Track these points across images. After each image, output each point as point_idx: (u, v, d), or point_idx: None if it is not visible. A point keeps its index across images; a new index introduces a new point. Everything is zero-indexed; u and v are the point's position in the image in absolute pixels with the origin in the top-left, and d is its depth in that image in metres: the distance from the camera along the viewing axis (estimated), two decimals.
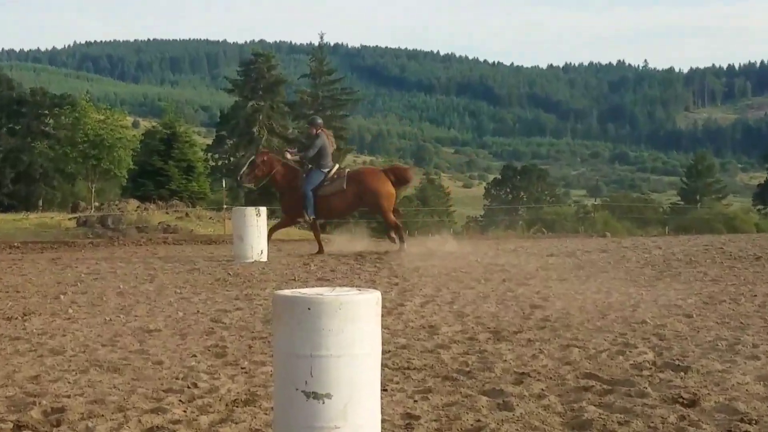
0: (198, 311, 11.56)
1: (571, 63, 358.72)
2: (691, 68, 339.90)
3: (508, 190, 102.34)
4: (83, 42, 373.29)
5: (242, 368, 8.11)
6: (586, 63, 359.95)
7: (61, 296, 13.17)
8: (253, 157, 21.11)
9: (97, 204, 43.65)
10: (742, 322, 10.22)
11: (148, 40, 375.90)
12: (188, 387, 7.39)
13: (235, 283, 14.66)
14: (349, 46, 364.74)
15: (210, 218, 39.30)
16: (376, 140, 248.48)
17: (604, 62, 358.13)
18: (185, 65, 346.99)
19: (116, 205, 39.86)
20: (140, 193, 50.81)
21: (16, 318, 11.20)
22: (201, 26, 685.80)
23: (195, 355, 8.70)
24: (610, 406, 6.64)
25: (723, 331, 9.63)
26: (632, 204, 75.31)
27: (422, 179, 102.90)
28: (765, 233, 36.26)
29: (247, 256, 18.68)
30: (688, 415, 6.35)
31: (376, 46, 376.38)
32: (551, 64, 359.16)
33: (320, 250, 20.23)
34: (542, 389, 7.19)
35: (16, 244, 25.72)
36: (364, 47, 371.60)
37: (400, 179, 20.88)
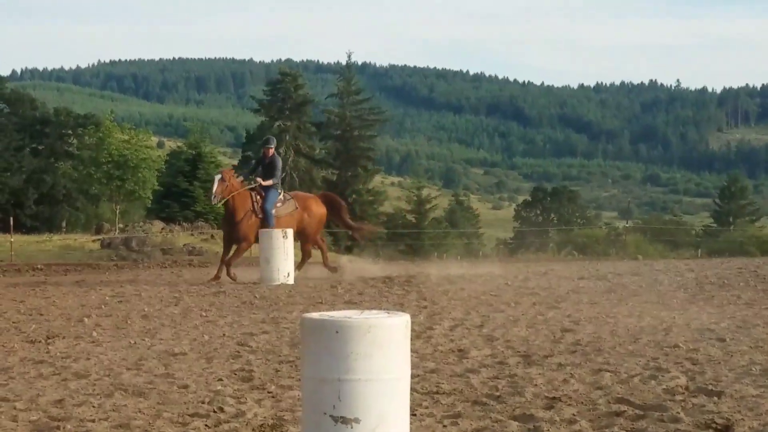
0: (224, 334, 11.49)
1: (602, 83, 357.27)
2: (725, 88, 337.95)
3: (539, 212, 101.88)
4: (107, 61, 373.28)
5: (269, 392, 8.03)
6: (617, 83, 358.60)
7: (85, 319, 13.14)
8: (220, 174, 20.50)
9: (121, 225, 43.70)
10: None
11: (173, 58, 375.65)
12: (214, 411, 7.32)
13: (261, 306, 14.60)
14: (377, 66, 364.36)
15: None
16: (405, 161, 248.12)
17: (636, 82, 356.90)
18: (211, 84, 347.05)
19: (141, 227, 39.91)
20: (165, 214, 50.81)
21: (40, 341, 11.16)
22: (227, 45, 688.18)
23: (221, 379, 8.62)
24: None
25: (757, 356, 9.50)
26: (664, 226, 74.94)
27: (451, 201, 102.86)
28: None
29: (273, 278, 18.62)
30: None
31: (405, 65, 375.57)
32: (582, 84, 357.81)
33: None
34: (573, 414, 7.08)
35: (39, 266, 25.79)
36: (392, 66, 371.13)
37: (333, 206, 21.60)
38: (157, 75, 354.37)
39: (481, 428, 6.76)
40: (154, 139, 68.12)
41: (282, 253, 18.88)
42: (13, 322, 12.97)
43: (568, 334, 11.14)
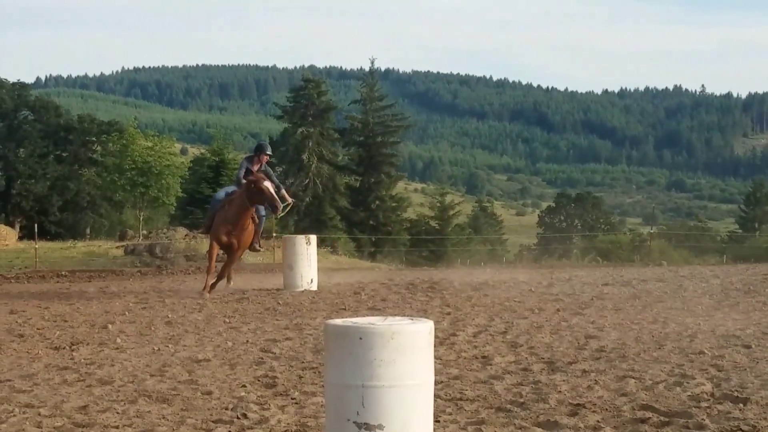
0: (247, 341, 11.49)
1: (626, 88, 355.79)
2: (750, 93, 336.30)
3: (562, 218, 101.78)
4: (131, 68, 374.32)
5: (292, 399, 8.03)
6: (642, 88, 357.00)
7: (109, 325, 13.17)
8: (267, 181, 19.43)
9: (145, 232, 43.77)
10: None
11: (197, 65, 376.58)
12: (238, 418, 7.32)
13: (284, 313, 14.60)
14: (400, 72, 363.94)
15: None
16: (428, 167, 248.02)
17: (660, 87, 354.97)
18: (234, 91, 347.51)
19: (164, 234, 39.91)
20: (188, 221, 50.85)
21: (64, 347, 11.20)
22: (250, 51, 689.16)
23: (245, 386, 8.62)
24: None
25: None
26: (689, 232, 74.59)
27: (474, 207, 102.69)
28: None
29: (297, 285, 18.60)
30: None
31: (428, 71, 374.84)
32: (606, 90, 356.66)
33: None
34: (598, 421, 7.05)
35: (63, 272, 25.84)
36: (415, 72, 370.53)
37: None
38: (180, 82, 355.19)
39: None
40: (178, 146, 68.29)
41: (305, 260, 18.86)
42: (38, 329, 13.01)
43: (593, 340, 11.09)
